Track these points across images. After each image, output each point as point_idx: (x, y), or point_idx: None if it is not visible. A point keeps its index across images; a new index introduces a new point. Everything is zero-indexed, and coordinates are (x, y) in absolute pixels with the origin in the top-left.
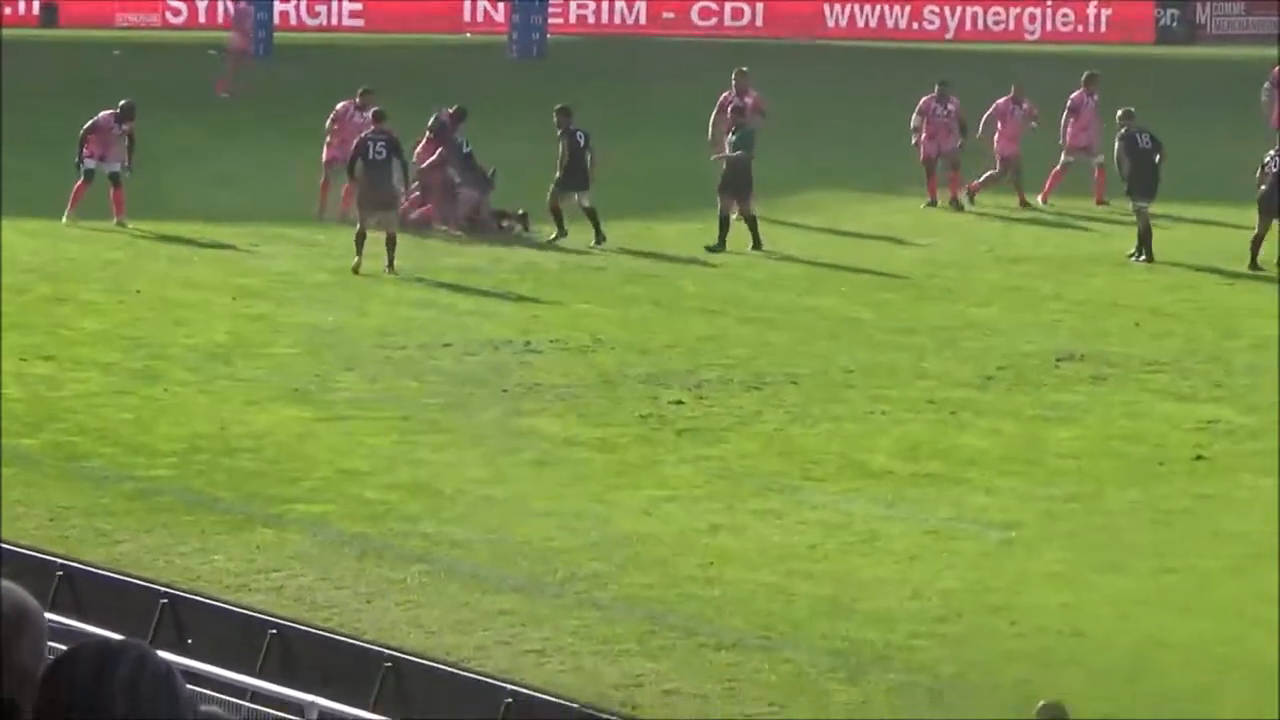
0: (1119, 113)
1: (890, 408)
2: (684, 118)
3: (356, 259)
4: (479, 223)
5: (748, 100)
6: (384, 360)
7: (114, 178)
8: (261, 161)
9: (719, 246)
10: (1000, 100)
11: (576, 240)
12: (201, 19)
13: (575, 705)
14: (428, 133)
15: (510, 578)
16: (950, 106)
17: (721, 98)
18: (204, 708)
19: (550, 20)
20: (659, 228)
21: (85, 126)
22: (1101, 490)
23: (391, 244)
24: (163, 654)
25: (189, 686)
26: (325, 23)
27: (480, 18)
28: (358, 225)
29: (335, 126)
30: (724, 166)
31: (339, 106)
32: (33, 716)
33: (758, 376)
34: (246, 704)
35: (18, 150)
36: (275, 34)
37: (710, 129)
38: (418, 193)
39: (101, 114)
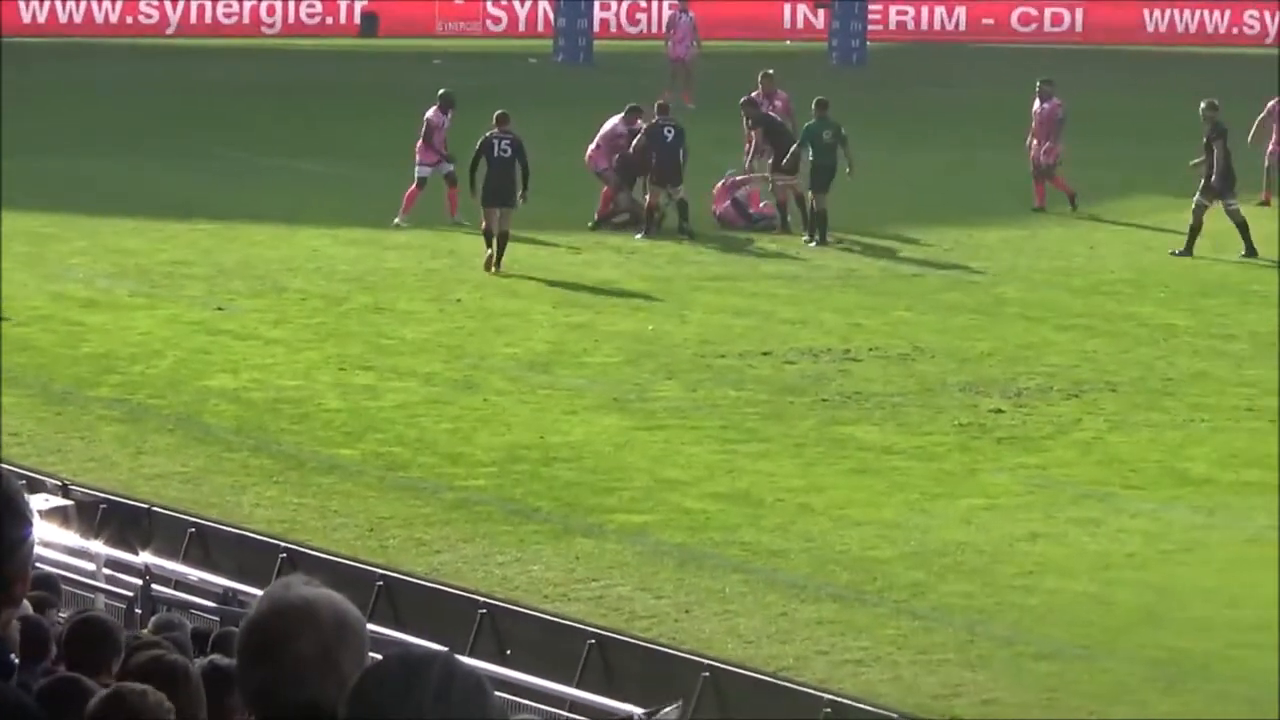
0: (1203, 105)
1: (1210, 415)
2: (1003, 123)
3: (487, 261)
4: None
5: (777, 103)
6: (704, 369)
7: (449, 178)
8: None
9: (821, 240)
10: (1272, 101)
11: (897, 248)
12: (521, 27)
13: (894, 715)
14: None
15: (829, 586)
16: (1270, 104)
17: (750, 98)
18: (520, 716)
19: (870, 27)
20: (978, 234)
21: (423, 130)
22: None
23: (504, 242)
24: (478, 663)
25: (507, 696)
26: (645, 30)
27: (800, 24)
28: (484, 224)
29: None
30: (811, 162)
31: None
32: None
33: (1077, 384)
34: (565, 714)
35: (336, 159)
36: (595, 42)
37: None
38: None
39: (429, 113)
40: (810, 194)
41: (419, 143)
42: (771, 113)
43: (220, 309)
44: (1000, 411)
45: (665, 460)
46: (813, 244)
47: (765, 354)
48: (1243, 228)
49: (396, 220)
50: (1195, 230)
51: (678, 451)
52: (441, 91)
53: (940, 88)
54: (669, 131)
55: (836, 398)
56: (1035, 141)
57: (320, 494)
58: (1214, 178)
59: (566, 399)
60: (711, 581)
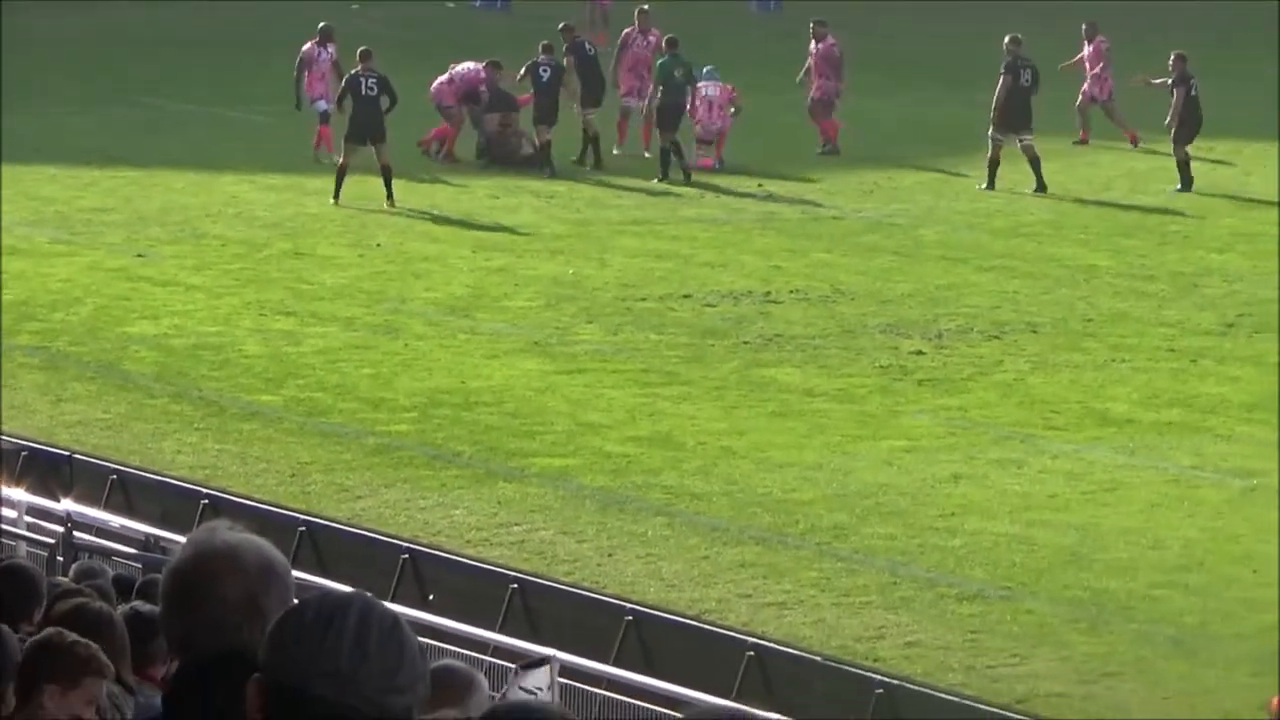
0: (1006, 39)
1: (1131, 356)
2: (920, 67)
3: (335, 197)
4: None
5: (650, 38)
6: (624, 312)
7: (324, 116)
8: None
9: (663, 177)
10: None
11: (816, 191)
12: None
13: (817, 658)
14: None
15: (751, 530)
16: (1089, 47)
17: (624, 35)
18: (441, 661)
19: None
20: (897, 176)
21: (297, 64)
22: None
23: (387, 174)
24: (401, 608)
25: (429, 640)
26: None
27: None
28: (342, 161)
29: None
30: (659, 99)
31: (465, 67)
32: (261, 669)
33: (998, 326)
34: (488, 658)
35: (254, 105)
36: None
37: (612, 67)
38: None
39: (306, 46)
40: (658, 131)
41: (303, 74)
42: (643, 49)
43: (140, 256)
44: (921, 353)
45: (586, 404)
46: (661, 181)
47: (686, 297)
48: (1034, 163)
49: (334, 158)
50: (993, 164)
51: (599, 395)
52: (321, 25)
53: (856, 33)
54: (545, 71)
55: (757, 340)
56: (815, 81)
57: (241, 440)
58: (1003, 111)
59: (487, 343)
60: (633, 525)
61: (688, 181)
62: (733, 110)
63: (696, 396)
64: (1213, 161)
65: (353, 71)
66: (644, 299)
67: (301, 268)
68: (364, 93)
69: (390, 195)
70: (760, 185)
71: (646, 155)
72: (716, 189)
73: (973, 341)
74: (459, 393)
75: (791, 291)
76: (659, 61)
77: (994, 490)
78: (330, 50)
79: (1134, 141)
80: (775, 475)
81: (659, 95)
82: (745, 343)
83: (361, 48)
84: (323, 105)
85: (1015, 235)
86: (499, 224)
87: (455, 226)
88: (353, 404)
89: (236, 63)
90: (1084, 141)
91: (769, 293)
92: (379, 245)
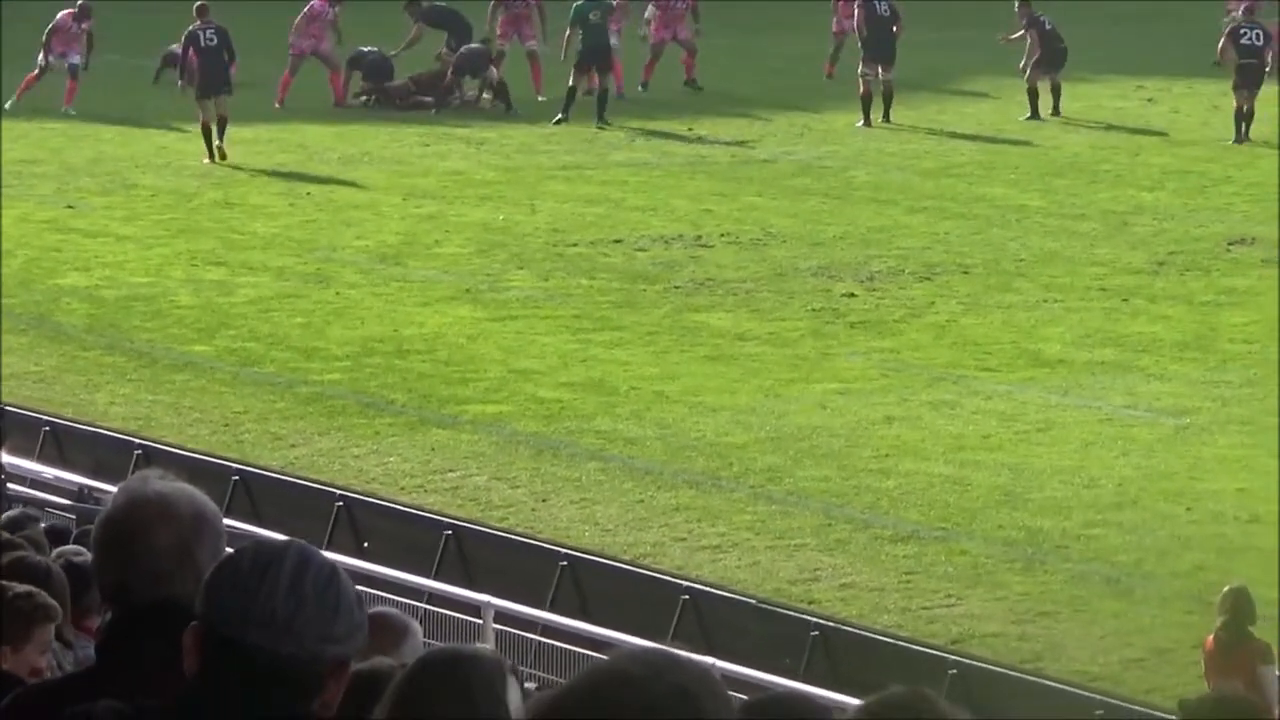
0: None
1: (1062, 296)
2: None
3: (208, 156)
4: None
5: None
6: (555, 258)
7: (72, 70)
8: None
9: (563, 119)
10: None
11: (746, 133)
12: None
13: (752, 600)
14: None
15: (685, 473)
16: None
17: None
18: (377, 608)
19: None
20: (828, 118)
21: (48, 28)
22: (1276, 375)
23: (223, 125)
24: (336, 556)
25: (365, 588)
26: None
27: None
28: (202, 119)
29: (301, 21)
30: (580, 44)
31: (314, 4)
32: (197, 618)
33: (929, 267)
34: (424, 605)
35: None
36: None
37: (488, 20)
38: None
39: (60, 14)
40: (584, 75)
41: (51, 37)
42: (520, 8)
43: (70, 207)
44: (853, 295)
45: (519, 350)
46: (557, 123)
47: (616, 242)
48: (887, 98)
49: (8, 105)
50: (865, 100)
51: (531, 341)
52: (80, 3)
53: None
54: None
55: (689, 284)
56: (657, 26)
57: (174, 390)
58: (865, 44)
59: (419, 290)
60: (568, 470)
61: (605, 123)
62: (695, 27)
63: (628, 342)
64: (1144, 100)
65: (190, 28)
66: (574, 244)
67: (232, 217)
68: (204, 44)
69: (220, 146)
70: (690, 128)
71: (541, 99)
72: (646, 132)
73: (904, 283)
74: (391, 340)
75: (722, 235)
76: (575, 5)
77: (927, 431)
78: (84, 25)
79: (829, 75)
80: (709, 419)
81: (579, 40)
82: (676, 287)
83: (198, 3)
84: (75, 59)
85: (945, 176)
86: (429, 171)
87: (385, 174)
88: (285, 353)
89: (157, 13)
90: (830, 75)
91: (700, 237)
92: (309, 194)
